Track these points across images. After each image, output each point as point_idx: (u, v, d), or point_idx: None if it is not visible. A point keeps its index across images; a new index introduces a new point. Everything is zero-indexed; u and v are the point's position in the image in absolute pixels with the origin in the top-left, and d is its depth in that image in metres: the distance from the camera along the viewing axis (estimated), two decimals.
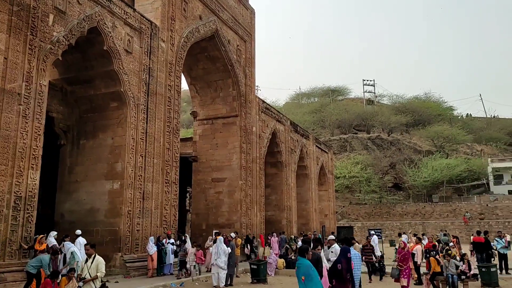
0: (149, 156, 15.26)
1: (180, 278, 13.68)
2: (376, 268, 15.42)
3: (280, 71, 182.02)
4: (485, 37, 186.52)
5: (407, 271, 11.68)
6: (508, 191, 47.89)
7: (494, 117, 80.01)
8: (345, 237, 8.01)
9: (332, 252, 10.37)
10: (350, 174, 49.53)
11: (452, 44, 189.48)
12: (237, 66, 22.88)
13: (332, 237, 13.41)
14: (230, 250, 12.97)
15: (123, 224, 14.05)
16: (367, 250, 15.49)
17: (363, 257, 14.82)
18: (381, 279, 15.03)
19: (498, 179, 49.78)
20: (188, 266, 14.10)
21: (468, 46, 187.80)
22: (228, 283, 13.16)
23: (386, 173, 53.33)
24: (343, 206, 49.59)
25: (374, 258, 15.48)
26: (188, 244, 15.14)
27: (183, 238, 15.88)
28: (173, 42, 17.24)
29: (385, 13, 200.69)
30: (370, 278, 14.72)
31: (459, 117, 74.22)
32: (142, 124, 15.14)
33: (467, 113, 79.63)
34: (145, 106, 15.35)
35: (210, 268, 13.24)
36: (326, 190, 38.77)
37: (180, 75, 17.99)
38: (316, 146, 36.01)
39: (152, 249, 13.93)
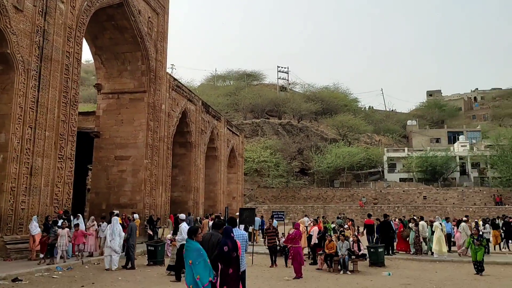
0: (40, 127, 13.82)
1: (40, 265, 11.94)
2: (281, 252, 14.72)
3: (199, 52, 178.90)
4: (390, 35, 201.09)
5: (293, 252, 11.72)
6: (400, 178, 52.59)
7: (392, 110, 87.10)
8: (231, 217, 7.79)
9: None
10: (260, 158, 50.53)
11: (362, 40, 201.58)
12: (148, 39, 21.70)
13: (182, 216, 12.97)
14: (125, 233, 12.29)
15: (4, 201, 12.61)
16: (270, 234, 14.62)
17: (265, 241, 14.43)
18: (286, 264, 13.96)
19: (392, 167, 54.34)
20: (59, 251, 12.34)
21: (376, 43, 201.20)
22: (129, 266, 12.41)
23: (294, 158, 55.34)
24: (252, 189, 50.54)
25: (277, 241, 14.78)
26: (82, 225, 14.10)
27: (72, 218, 14.55)
28: (74, 5, 15.71)
29: (309, 6, 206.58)
30: (273, 263, 14.04)
31: (363, 109, 79.39)
32: (33, 92, 13.64)
33: (370, 106, 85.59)
34: (37, 72, 13.81)
35: (103, 251, 12.43)
36: (235, 172, 39.11)
37: (81, 42, 16.49)
38: (228, 128, 35.98)
39: (35, 229, 12.61)
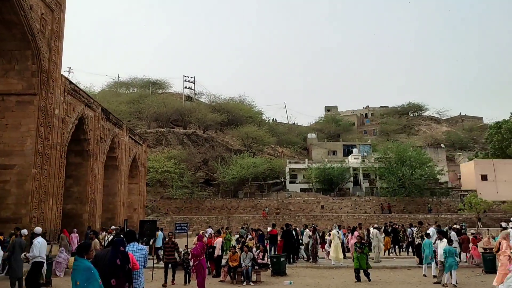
0: None
1: None
2: (182, 266, 13.63)
3: (101, 58, 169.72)
4: (292, 49, 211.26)
5: (197, 266, 11.28)
6: (300, 189, 54.96)
7: (294, 123, 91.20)
8: (128, 231, 7.25)
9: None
10: (163, 168, 49.13)
11: (267, 53, 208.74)
12: (41, 37, 19.82)
13: (37, 229, 12.01)
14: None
15: None
16: (168, 248, 13.32)
17: (164, 256, 13.12)
18: (187, 281, 13.08)
19: (293, 178, 56.64)
20: None
21: (278, 57, 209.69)
22: None
23: (199, 168, 54.80)
24: (154, 200, 48.82)
25: (177, 257, 13.51)
26: None
27: None
28: None
29: (214, 15, 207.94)
30: (166, 280, 12.71)
31: (267, 121, 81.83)
32: None
33: (273, 118, 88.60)
34: None
35: None
36: (137, 183, 37.37)
37: None
38: (130, 137, 34.35)
39: None
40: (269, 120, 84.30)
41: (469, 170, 54.33)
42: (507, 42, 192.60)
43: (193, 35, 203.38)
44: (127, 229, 18.49)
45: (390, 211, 47.18)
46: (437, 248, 13.76)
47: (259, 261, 13.96)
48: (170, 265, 13.02)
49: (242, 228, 29.44)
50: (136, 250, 6.52)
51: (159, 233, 19.51)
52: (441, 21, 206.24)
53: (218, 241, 14.75)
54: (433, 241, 14.50)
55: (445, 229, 21.18)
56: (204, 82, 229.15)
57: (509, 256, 11.01)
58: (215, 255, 14.69)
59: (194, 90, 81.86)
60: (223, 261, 14.60)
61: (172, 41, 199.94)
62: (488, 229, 32.24)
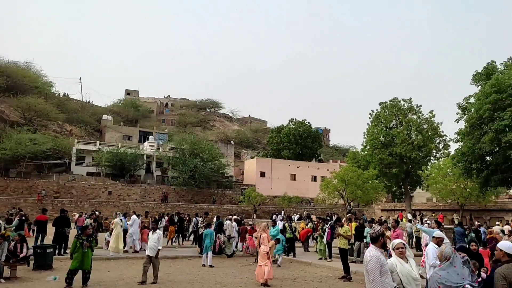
0: None
1: None
2: None
3: None
4: (92, 18, 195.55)
5: None
6: (87, 172, 50.59)
7: (89, 102, 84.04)
8: None
9: None
10: None
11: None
12: None
13: None
14: None
15: None
16: None
17: None
18: None
19: (81, 160, 51.70)
20: None
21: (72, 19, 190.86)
22: None
23: None
24: None
25: None
26: None
27: None
28: None
29: None
30: None
31: (57, 95, 72.86)
32: None
33: (65, 93, 79.48)
34: None
35: None
36: None
37: None
38: None
39: None
40: (59, 94, 75.23)
41: (251, 167, 60.06)
42: (287, 55, 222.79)
43: None
44: None
45: (166, 200, 47.80)
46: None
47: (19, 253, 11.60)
48: None
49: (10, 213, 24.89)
50: None
51: None
52: (245, 32, 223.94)
53: None
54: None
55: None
56: None
57: (268, 249, 11.69)
58: None
59: None
60: None
61: None
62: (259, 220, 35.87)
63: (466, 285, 4.74)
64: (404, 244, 5.37)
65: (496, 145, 16.97)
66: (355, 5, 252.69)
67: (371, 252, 4.98)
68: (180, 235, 23.07)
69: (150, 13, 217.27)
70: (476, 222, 29.65)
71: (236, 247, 19.31)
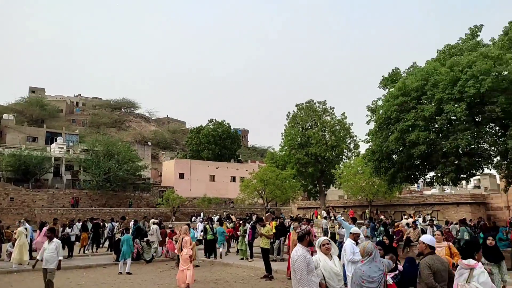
0: None
1: None
2: None
3: None
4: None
5: None
6: None
7: None
8: None
9: None
10: None
11: None
12: None
13: None
14: None
15: None
16: None
17: None
18: None
19: None
20: None
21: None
22: None
23: None
24: None
25: None
26: None
27: None
28: None
29: None
30: None
31: None
32: None
33: None
34: None
35: None
36: None
37: None
38: None
39: None
40: None
41: (169, 168, 58.70)
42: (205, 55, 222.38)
43: None
44: None
45: (77, 205, 44.93)
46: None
47: None
48: None
49: None
50: None
51: None
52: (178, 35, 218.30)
53: None
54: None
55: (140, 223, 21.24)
56: None
57: (191, 252, 11.39)
58: None
59: None
60: None
61: None
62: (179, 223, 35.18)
63: (388, 279, 5.00)
64: (329, 241, 5.50)
65: (401, 144, 18.35)
66: (271, 8, 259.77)
67: (298, 251, 5.03)
68: (95, 242, 21.71)
69: (57, 2, 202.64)
70: (382, 216, 32.06)
71: (155, 252, 18.65)
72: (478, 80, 15.34)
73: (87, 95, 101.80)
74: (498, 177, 42.25)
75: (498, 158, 17.26)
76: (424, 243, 5.19)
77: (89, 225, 22.34)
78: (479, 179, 64.37)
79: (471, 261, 5.01)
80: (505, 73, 15.76)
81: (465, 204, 36.58)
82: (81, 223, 21.79)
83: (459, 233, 17.06)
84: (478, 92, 15.35)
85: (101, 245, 23.05)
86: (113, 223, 22.55)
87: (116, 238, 18.47)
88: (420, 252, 5.37)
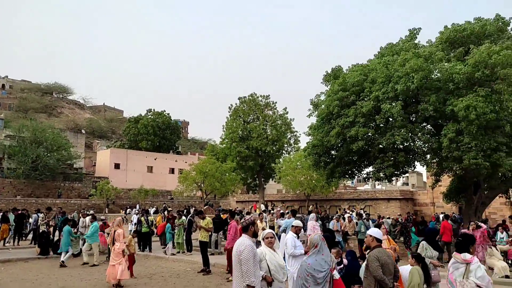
0: None
1: None
2: None
3: None
4: None
5: None
6: None
7: None
8: None
9: None
10: None
11: None
12: None
13: None
14: None
15: None
16: None
17: None
18: None
19: None
20: None
21: None
22: None
23: None
24: None
25: None
26: None
27: None
28: None
29: None
30: None
31: None
32: None
33: None
34: None
35: None
36: None
37: None
38: None
39: None
40: None
41: (104, 158, 56.07)
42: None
43: None
44: None
45: None
46: None
47: None
48: None
49: None
50: None
51: None
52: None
53: None
54: None
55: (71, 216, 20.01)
56: None
57: (124, 246, 10.69)
58: None
59: None
60: None
61: None
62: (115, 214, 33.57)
63: (334, 273, 4.80)
64: (273, 234, 5.21)
65: (342, 139, 18.64)
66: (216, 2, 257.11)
67: (245, 241, 4.67)
68: (17, 235, 19.95)
69: None
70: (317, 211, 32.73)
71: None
72: (409, 78, 15.86)
73: (14, 78, 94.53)
74: (425, 174, 44.90)
75: (430, 155, 18.08)
76: (371, 236, 5.06)
77: (11, 216, 20.50)
78: (407, 176, 68.23)
79: (466, 255, 5.00)
80: (438, 74, 16.45)
81: (395, 200, 38.40)
82: (1, 214, 19.92)
83: (356, 227, 18.42)
84: (408, 89, 15.86)
85: (23, 238, 21.30)
86: (38, 214, 20.89)
87: (41, 230, 17.08)
88: (367, 245, 5.23)
